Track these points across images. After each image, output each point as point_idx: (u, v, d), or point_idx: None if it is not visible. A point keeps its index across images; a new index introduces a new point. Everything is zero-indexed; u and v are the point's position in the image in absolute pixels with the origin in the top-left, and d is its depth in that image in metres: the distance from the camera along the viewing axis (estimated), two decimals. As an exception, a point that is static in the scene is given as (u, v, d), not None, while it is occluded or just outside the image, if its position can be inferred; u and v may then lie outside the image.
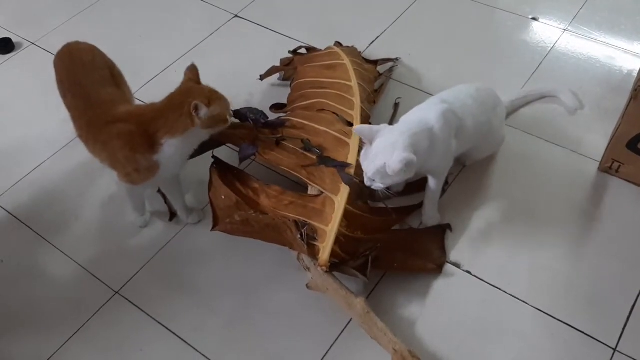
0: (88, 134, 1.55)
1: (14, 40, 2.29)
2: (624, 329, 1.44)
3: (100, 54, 1.70)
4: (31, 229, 1.71)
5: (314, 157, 1.55)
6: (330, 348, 1.43)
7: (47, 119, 2.01)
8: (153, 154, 1.46)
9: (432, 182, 1.59)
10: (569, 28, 2.21)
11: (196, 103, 1.40)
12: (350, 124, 1.63)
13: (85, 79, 1.60)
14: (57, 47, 2.29)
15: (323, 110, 1.66)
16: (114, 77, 1.66)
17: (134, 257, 1.62)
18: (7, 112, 2.07)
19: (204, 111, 1.42)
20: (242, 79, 2.06)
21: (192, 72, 1.52)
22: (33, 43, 2.30)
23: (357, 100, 1.69)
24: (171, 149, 1.46)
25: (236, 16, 2.35)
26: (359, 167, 1.55)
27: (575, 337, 1.43)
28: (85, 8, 2.44)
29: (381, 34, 2.18)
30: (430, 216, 1.64)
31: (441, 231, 1.62)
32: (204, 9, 2.40)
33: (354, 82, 1.73)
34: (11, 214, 1.75)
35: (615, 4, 2.30)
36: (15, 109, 2.07)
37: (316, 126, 1.61)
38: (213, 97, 1.46)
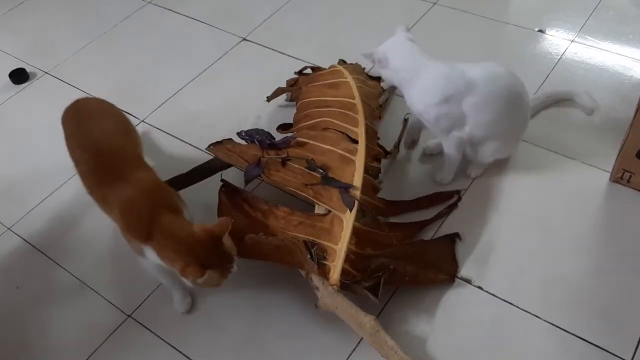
0: (98, 191, 1.50)
1: (28, 70, 2.35)
2: (639, 341, 1.41)
3: (110, 106, 1.68)
4: (45, 255, 1.74)
5: (320, 176, 1.56)
6: (341, 368, 1.43)
7: (60, 147, 2.02)
8: (143, 244, 1.38)
9: (442, 146, 1.71)
10: (576, 39, 2.20)
11: (187, 270, 1.29)
12: (355, 142, 1.64)
13: (95, 132, 1.57)
14: (70, 76, 2.36)
15: (328, 128, 1.67)
16: (124, 130, 1.63)
17: (146, 281, 1.63)
18: (22, 140, 2.12)
19: (191, 279, 1.31)
20: (250, 101, 2.09)
21: (221, 227, 1.34)
22: (47, 72, 2.36)
23: (361, 117, 1.70)
24: (153, 256, 1.38)
25: (244, 39, 2.39)
26: (364, 185, 1.56)
27: (590, 352, 1.40)
28: (96, 37, 2.49)
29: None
30: (441, 176, 1.76)
31: (451, 241, 1.62)
32: (212, 33, 2.44)
33: (357, 99, 1.74)
34: (26, 241, 1.78)
35: (623, 13, 2.30)
36: (30, 138, 2.12)
37: (321, 145, 1.62)
38: (215, 263, 1.32)
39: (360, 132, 1.66)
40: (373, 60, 1.64)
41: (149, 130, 2.06)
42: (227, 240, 1.35)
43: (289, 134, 1.71)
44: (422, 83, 1.58)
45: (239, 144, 1.69)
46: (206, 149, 1.71)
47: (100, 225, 1.78)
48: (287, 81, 2.07)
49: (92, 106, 1.69)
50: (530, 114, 1.76)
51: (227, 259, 1.35)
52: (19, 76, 2.32)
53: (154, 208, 1.38)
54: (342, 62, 2.00)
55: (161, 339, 1.52)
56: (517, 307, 1.49)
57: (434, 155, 1.84)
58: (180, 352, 1.49)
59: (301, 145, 1.64)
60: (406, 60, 1.61)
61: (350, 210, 1.50)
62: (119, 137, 1.58)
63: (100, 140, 1.55)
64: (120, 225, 1.44)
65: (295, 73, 2.07)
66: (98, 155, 1.51)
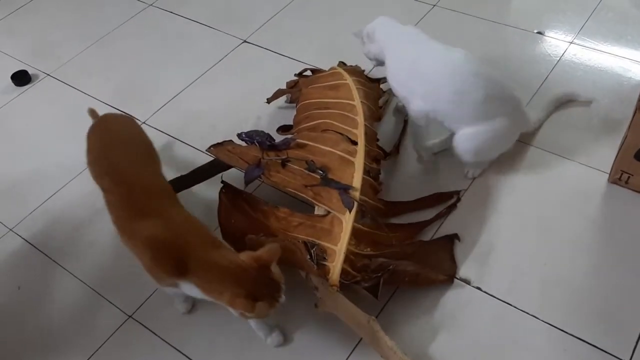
0: (127, 224, 1.42)
1: (30, 72, 2.36)
2: (637, 342, 1.41)
3: (136, 126, 1.65)
4: (47, 255, 1.75)
5: (319, 177, 1.57)
6: (340, 368, 1.44)
7: (61, 148, 2.06)
8: (179, 279, 1.32)
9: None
10: (575, 40, 2.21)
11: (236, 302, 1.23)
12: (355, 143, 1.65)
13: (125, 161, 1.50)
14: (72, 77, 2.37)
15: (328, 130, 1.68)
16: (151, 155, 1.57)
17: (147, 281, 1.63)
18: (23, 142, 2.13)
19: (240, 311, 1.25)
20: (251, 103, 2.10)
21: (270, 254, 1.29)
22: (49, 74, 2.37)
23: (360, 118, 1.71)
24: (192, 290, 1.33)
25: (245, 41, 2.40)
26: (364, 186, 1.57)
27: (589, 352, 1.41)
28: (98, 39, 2.50)
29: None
30: (413, 142, 1.85)
31: (450, 241, 1.63)
32: (213, 35, 2.45)
33: (357, 101, 1.75)
34: (28, 242, 1.79)
35: (622, 15, 2.30)
36: (31, 139, 2.13)
37: (321, 146, 1.63)
38: (264, 294, 1.26)
39: (359, 134, 1.67)
40: (362, 37, 1.80)
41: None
42: (275, 268, 1.29)
43: (289, 136, 1.72)
44: (391, 56, 1.74)
45: (240, 145, 1.70)
46: (207, 150, 1.72)
47: (102, 226, 1.79)
48: (287, 83, 2.08)
49: (119, 127, 1.61)
50: (514, 113, 1.69)
51: (275, 288, 1.27)
52: (21, 78, 2.34)
53: (188, 241, 1.32)
54: (341, 64, 2.01)
55: (162, 339, 1.53)
56: (516, 307, 1.50)
57: (436, 154, 1.85)
58: (181, 352, 1.50)
59: (301, 146, 1.65)
60: (388, 35, 1.76)
61: (350, 211, 1.51)
62: (148, 167, 1.52)
63: (131, 171, 1.48)
64: (146, 261, 1.36)
65: (295, 75, 2.08)
66: (128, 186, 1.45)
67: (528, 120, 1.82)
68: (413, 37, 1.74)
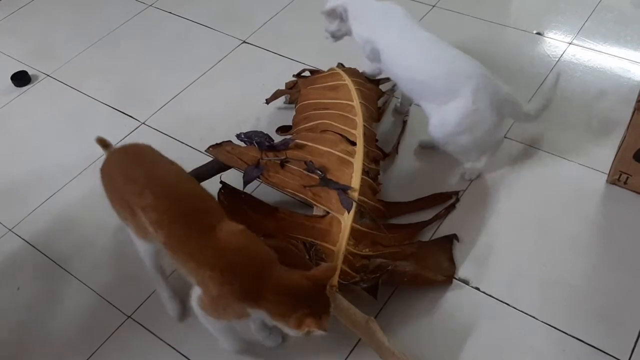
0: (182, 244, 1.30)
1: (30, 73, 2.36)
2: (636, 342, 1.42)
3: (155, 150, 1.48)
4: (46, 256, 1.75)
5: (318, 178, 1.57)
6: (339, 368, 1.44)
7: (61, 149, 2.06)
8: (253, 307, 1.25)
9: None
10: (574, 41, 2.21)
11: (306, 322, 1.20)
12: (354, 143, 1.65)
13: (164, 173, 1.39)
14: (72, 78, 2.37)
15: (326, 131, 1.68)
16: (182, 170, 1.45)
17: (146, 282, 1.64)
18: (24, 142, 2.13)
19: (307, 330, 1.21)
20: (250, 103, 2.10)
21: (328, 272, 1.27)
22: (48, 75, 2.37)
23: (359, 119, 1.71)
24: (265, 318, 1.27)
25: (244, 42, 2.40)
26: (363, 186, 1.57)
27: (587, 353, 1.41)
28: (98, 40, 2.51)
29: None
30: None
31: (449, 242, 1.63)
32: (213, 36, 2.45)
33: (356, 102, 1.76)
34: (27, 242, 1.79)
35: (621, 15, 2.30)
36: (31, 140, 2.13)
37: (320, 147, 1.64)
38: (323, 311, 1.23)
39: (358, 134, 1.67)
40: (329, 13, 1.84)
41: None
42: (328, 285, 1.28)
43: (288, 136, 1.72)
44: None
45: (239, 146, 1.70)
46: (206, 150, 1.72)
47: (101, 227, 1.79)
48: (286, 84, 2.08)
49: (140, 149, 1.48)
50: (481, 93, 1.60)
51: (328, 303, 1.26)
52: (21, 79, 2.34)
53: (260, 264, 1.26)
54: (340, 65, 2.02)
55: (161, 339, 1.53)
56: (515, 308, 1.50)
57: (430, 150, 1.85)
58: (179, 352, 1.50)
59: (300, 147, 1.65)
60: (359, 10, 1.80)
61: (349, 212, 1.51)
62: (189, 180, 1.41)
63: (174, 183, 1.37)
64: (213, 287, 1.25)
65: (294, 76, 2.08)
66: (176, 199, 1.33)
67: (513, 107, 1.67)
68: (387, 14, 1.77)
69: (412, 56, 1.70)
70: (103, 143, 1.52)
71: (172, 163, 1.43)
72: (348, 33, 1.87)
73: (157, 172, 1.40)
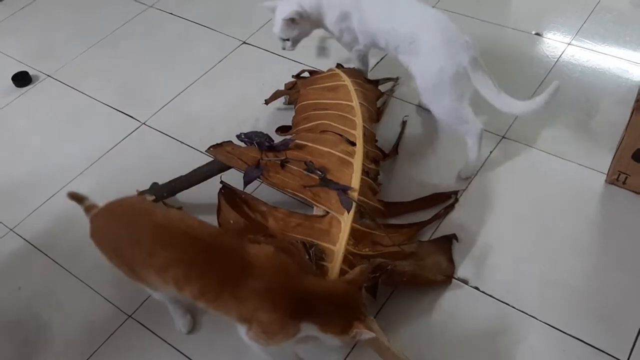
0: (218, 292, 1.23)
1: (30, 73, 2.37)
2: (635, 342, 1.42)
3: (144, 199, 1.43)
4: (47, 255, 1.75)
5: (318, 178, 1.57)
6: (339, 367, 1.44)
7: (61, 149, 2.07)
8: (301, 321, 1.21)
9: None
10: (572, 42, 2.22)
11: (357, 328, 1.19)
12: (353, 144, 1.65)
13: (172, 219, 1.29)
14: (72, 79, 2.37)
15: (326, 131, 1.69)
16: (182, 213, 1.40)
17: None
18: (24, 142, 2.14)
19: (355, 335, 1.19)
20: (250, 104, 2.11)
21: (363, 275, 1.26)
22: (49, 75, 2.38)
23: (359, 119, 1.71)
24: (317, 333, 1.23)
25: (244, 43, 2.41)
26: (362, 186, 1.58)
27: (587, 353, 1.42)
28: (98, 40, 2.51)
29: (385, 55, 2.21)
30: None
31: (448, 242, 1.63)
32: (213, 36, 2.46)
33: (355, 102, 1.76)
34: (28, 242, 1.80)
35: (620, 16, 2.31)
36: (32, 140, 2.14)
37: (320, 147, 1.64)
38: (364, 312, 1.23)
39: (358, 135, 1.68)
40: (289, 22, 1.86)
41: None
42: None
43: (288, 137, 1.73)
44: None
45: (239, 146, 1.71)
46: (206, 151, 1.72)
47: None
48: (285, 84, 2.09)
49: (134, 203, 1.39)
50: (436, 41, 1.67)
51: (366, 305, 1.26)
52: (22, 79, 2.35)
53: (297, 278, 1.23)
54: (339, 66, 2.02)
55: (161, 339, 1.53)
56: (514, 307, 1.51)
57: (429, 149, 1.86)
58: (180, 352, 1.51)
59: (300, 147, 1.66)
60: None
61: (348, 212, 1.51)
62: (193, 220, 1.31)
63: (189, 231, 1.26)
64: (267, 316, 1.21)
65: (293, 76, 2.09)
66: (196, 247, 1.23)
67: (482, 72, 1.66)
68: None
69: (380, 7, 1.77)
70: (76, 198, 1.40)
71: (166, 209, 1.36)
72: (312, 28, 1.90)
73: (160, 222, 1.27)
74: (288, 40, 1.91)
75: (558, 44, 2.22)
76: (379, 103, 1.96)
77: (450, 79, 1.64)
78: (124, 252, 1.31)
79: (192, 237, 1.25)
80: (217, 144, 1.72)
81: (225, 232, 1.37)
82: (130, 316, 1.59)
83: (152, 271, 1.26)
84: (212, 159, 1.74)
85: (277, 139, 1.76)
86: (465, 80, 1.64)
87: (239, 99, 2.17)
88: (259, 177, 1.60)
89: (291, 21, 1.85)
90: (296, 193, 1.57)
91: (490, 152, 1.87)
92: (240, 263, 1.22)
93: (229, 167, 1.69)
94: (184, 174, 1.77)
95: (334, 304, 1.21)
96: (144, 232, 1.27)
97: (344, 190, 1.54)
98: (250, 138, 1.67)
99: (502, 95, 1.65)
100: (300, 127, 1.77)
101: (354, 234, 1.51)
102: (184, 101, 2.20)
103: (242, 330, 1.28)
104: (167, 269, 1.24)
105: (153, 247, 1.24)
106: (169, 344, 1.52)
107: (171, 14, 2.61)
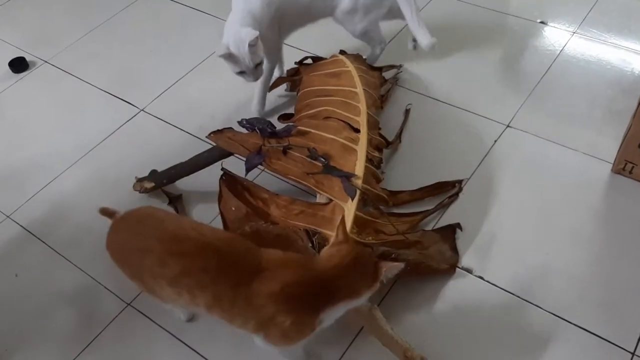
0: (232, 299, 1.20)
1: (27, 59, 2.34)
2: (641, 332, 1.41)
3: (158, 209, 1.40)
4: (45, 242, 1.73)
5: (321, 165, 1.55)
6: (341, 357, 1.42)
7: (59, 136, 2.04)
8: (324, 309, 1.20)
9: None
10: (577, 31, 2.20)
11: (385, 265, 1.20)
12: (357, 130, 1.63)
13: (178, 231, 1.26)
14: (70, 65, 2.34)
15: (329, 117, 1.67)
16: (191, 221, 1.38)
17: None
18: (21, 129, 2.10)
19: (388, 273, 1.21)
20: (250, 90, 2.08)
21: (345, 232, 1.24)
22: (46, 61, 2.34)
23: (362, 106, 1.69)
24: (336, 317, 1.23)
25: (245, 29, 2.37)
26: (366, 174, 1.55)
27: (592, 342, 1.40)
28: (96, 26, 2.48)
29: (390, 40, 2.18)
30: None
31: (452, 231, 1.62)
32: (212, 22, 2.43)
33: (359, 89, 1.74)
34: (25, 229, 1.77)
35: (624, 5, 2.29)
36: (29, 126, 2.11)
37: (323, 134, 1.62)
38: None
39: (362, 121, 1.65)
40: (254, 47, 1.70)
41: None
42: None
43: (290, 123, 1.70)
44: None
45: (240, 132, 1.68)
46: (207, 137, 1.70)
47: (99, 214, 1.77)
48: (287, 71, 2.06)
49: (146, 212, 1.38)
50: None
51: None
52: (19, 65, 2.31)
53: (312, 274, 1.20)
54: (342, 52, 2.00)
55: (161, 327, 1.51)
56: (518, 297, 1.49)
57: (433, 139, 1.84)
58: (179, 340, 1.49)
59: (302, 134, 1.63)
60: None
61: (352, 199, 1.49)
62: (210, 229, 1.30)
63: (200, 238, 1.24)
64: (286, 320, 1.18)
65: (295, 63, 2.06)
66: (208, 251, 1.22)
67: None
68: None
69: None
70: (107, 213, 1.39)
71: (177, 216, 1.35)
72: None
73: (171, 231, 1.26)
74: (260, 64, 1.75)
75: (563, 33, 2.20)
76: (382, 91, 1.94)
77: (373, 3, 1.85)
78: (134, 262, 1.30)
79: (204, 243, 1.23)
80: (218, 130, 1.70)
81: (236, 236, 1.33)
82: (129, 304, 1.57)
83: (164, 283, 1.24)
84: (212, 146, 1.71)
85: (279, 126, 1.73)
86: (383, 8, 1.88)
87: (239, 85, 2.13)
88: (260, 164, 1.57)
89: (252, 48, 1.69)
90: (299, 180, 1.55)
91: (495, 141, 1.85)
92: (254, 267, 1.20)
93: (229, 154, 1.67)
94: (183, 161, 1.75)
95: (352, 271, 1.19)
96: (154, 241, 1.25)
97: (347, 177, 1.51)
98: (251, 124, 1.65)
99: (419, 21, 1.84)
100: (303, 114, 1.74)
101: (357, 222, 1.49)
102: (184, 87, 2.17)
103: (257, 338, 1.24)
104: (179, 279, 1.22)
105: (164, 256, 1.23)
106: (169, 332, 1.50)
107: None
